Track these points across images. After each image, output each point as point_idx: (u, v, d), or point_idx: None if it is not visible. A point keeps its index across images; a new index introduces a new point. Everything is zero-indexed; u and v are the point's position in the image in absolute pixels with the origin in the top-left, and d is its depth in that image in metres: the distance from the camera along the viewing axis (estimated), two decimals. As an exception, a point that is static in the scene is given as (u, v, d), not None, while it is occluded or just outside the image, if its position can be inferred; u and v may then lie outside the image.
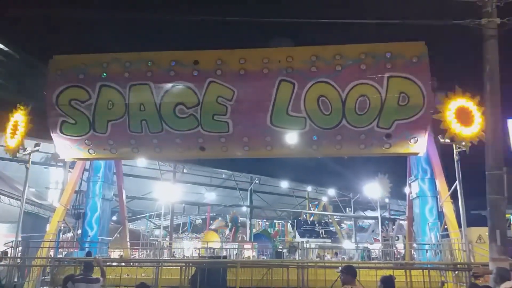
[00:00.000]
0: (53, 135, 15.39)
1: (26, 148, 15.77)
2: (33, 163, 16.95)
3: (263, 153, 15.42)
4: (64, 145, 15.62)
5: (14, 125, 15.80)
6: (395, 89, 13.63)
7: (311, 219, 40.37)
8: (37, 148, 16.30)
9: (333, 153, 15.26)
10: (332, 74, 13.95)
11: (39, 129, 16.35)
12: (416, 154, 14.98)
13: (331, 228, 36.45)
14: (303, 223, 29.66)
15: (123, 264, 16.03)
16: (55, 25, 15.86)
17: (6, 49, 21.73)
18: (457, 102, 13.22)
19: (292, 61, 14.29)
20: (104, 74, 14.84)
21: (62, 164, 23.46)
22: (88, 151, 15.63)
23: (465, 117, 13.05)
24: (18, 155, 15.85)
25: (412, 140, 14.14)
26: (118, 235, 21.02)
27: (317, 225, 29.98)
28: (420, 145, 14.28)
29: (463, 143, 13.05)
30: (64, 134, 15.28)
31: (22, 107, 15.92)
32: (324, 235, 28.83)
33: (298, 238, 28.24)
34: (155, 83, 14.49)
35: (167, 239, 31.96)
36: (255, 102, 14.25)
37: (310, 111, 14.03)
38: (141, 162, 27.01)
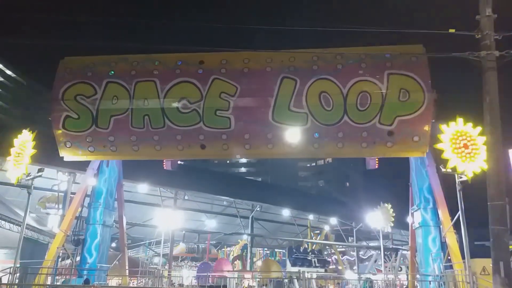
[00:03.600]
0: (55, 132, 15.60)
1: (29, 173, 15.81)
2: (35, 188, 16.92)
3: (264, 152, 15.46)
4: (64, 142, 15.72)
5: (18, 150, 15.89)
6: (395, 85, 13.96)
7: (303, 247, 39.43)
8: (40, 173, 16.33)
9: (334, 152, 15.29)
10: (333, 71, 14.38)
11: (43, 155, 16.47)
12: (420, 155, 14.91)
13: (325, 257, 35.42)
14: (295, 251, 28.97)
15: (122, 292, 15.76)
16: (62, 51, 16.34)
17: (13, 75, 22.27)
18: (459, 132, 13.29)
19: (294, 61, 14.74)
20: (112, 71, 15.42)
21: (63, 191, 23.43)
22: (88, 148, 15.74)
23: (466, 147, 13.09)
24: (20, 180, 15.88)
25: (415, 138, 14.15)
26: (117, 263, 20.71)
27: (310, 253, 29.25)
28: (423, 144, 14.28)
29: (465, 173, 13.03)
30: (66, 130, 15.49)
31: (27, 133, 16.06)
32: (317, 264, 28.03)
33: (289, 267, 27.59)
34: (160, 79, 14.97)
35: (166, 267, 31.44)
36: (257, 97, 14.61)
37: (311, 106, 14.26)
38: (142, 188, 26.95)
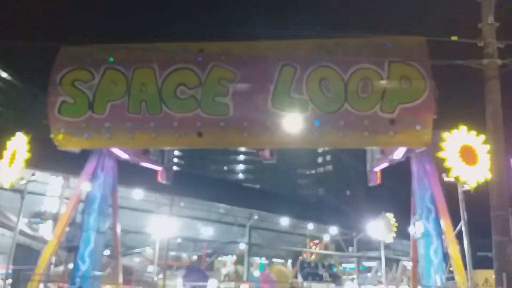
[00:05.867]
0: (50, 118, 15.41)
1: (23, 177, 15.55)
2: (28, 192, 16.68)
3: (263, 141, 15.20)
4: (59, 129, 15.50)
5: (12, 153, 15.66)
6: (396, 73, 13.94)
7: (313, 259, 39.26)
8: (33, 178, 16.10)
9: (335, 141, 15.10)
10: (334, 59, 14.38)
11: (36, 159, 16.22)
12: (422, 146, 14.65)
13: (336, 271, 35.14)
14: (306, 265, 28.72)
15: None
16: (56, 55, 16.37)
17: (8, 77, 22.10)
18: (462, 141, 13.12)
19: (295, 50, 14.85)
20: (111, 58, 15.40)
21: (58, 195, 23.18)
22: (83, 135, 15.50)
23: (469, 156, 12.91)
24: (14, 184, 15.63)
25: (417, 127, 13.96)
26: (111, 270, 20.37)
27: (320, 267, 28.99)
28: (425, 133, 14.04)
29: (468, 183, 12.83)
30: (62, 115, 15.30)
31: (21, 136, 15.85)
32: (328, 279, 27.78)
33: (300, 280, 27.41)
34: (159, 66, 14.94)
35: (160, 275, 31.04)
36: (256, 83, 14.55)
37: (312, 92, 14.19)
38: (137, 194, 26.64)
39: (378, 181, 19.44)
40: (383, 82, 13.98)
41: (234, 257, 39.76)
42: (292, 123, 14.25)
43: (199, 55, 15.09)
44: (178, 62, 15.02)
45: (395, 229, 24.24)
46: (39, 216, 23.56)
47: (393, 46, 14.46)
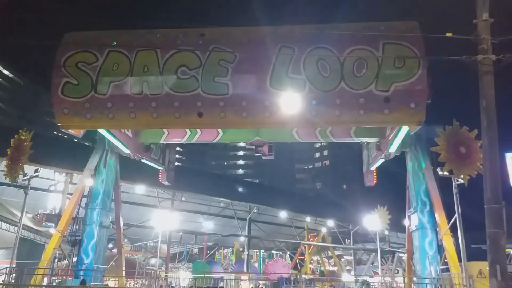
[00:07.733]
0: (53, 99, 15.55)
1: (26, 173, 15.77)
2: (32, 188, 16.89)
3: (262, 120, 15.47)
4: (62, 109, 15.69)
5: (15, 150, 15.88)
6: (391, 53, 14.31)
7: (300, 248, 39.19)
8: (36, 173, 16.31)
9: (332, 120, 15.27)
10: (330, 41, 14.79)
11: (40, 155, 16.44)
12: (415, 125, 14.86)
13: None
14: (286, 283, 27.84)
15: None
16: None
17: (10, 75, 22.14)
18: (455, 136, 13.35)
19: (293, 33, 15.37)
20: (115, 42, 15.75)
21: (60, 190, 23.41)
22: (86, 115, 15.65)
23: (463, 150, 13.14)
24: (17, 180, 15.86)
25: (411, 105, 14.23)
26: (114, 263, 20.65)
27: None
28: (419, 111, 14.30)
29: (462, 176, 13.08)
30: (65, 96, 15.47)
31: (23, 133, 16.07)
32: None
33: None
34: (161, 48, 15.31)
35: (163, 268, 31.40)
36: (255, 64, 14.93)
37: (309, 72, 14.58)
38: (139, 189, 26.89)
39: (375, 181, 19.74)
40: (378, 61, 14.33)
41: (234, 249, 40.19)
42: (290, 102, 14.48)
43: (200, 38, 15.49)
44: (179, 45, 15.44)
45: (388, 221, 24.53)
46: (52, 220, 23.67)
47: (387, 29, 14.84)
